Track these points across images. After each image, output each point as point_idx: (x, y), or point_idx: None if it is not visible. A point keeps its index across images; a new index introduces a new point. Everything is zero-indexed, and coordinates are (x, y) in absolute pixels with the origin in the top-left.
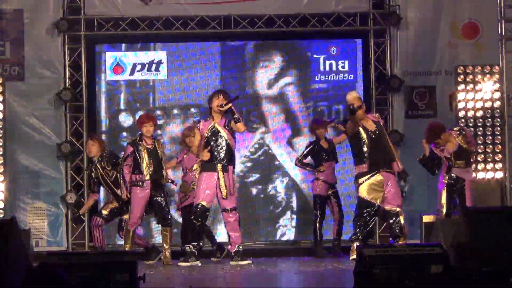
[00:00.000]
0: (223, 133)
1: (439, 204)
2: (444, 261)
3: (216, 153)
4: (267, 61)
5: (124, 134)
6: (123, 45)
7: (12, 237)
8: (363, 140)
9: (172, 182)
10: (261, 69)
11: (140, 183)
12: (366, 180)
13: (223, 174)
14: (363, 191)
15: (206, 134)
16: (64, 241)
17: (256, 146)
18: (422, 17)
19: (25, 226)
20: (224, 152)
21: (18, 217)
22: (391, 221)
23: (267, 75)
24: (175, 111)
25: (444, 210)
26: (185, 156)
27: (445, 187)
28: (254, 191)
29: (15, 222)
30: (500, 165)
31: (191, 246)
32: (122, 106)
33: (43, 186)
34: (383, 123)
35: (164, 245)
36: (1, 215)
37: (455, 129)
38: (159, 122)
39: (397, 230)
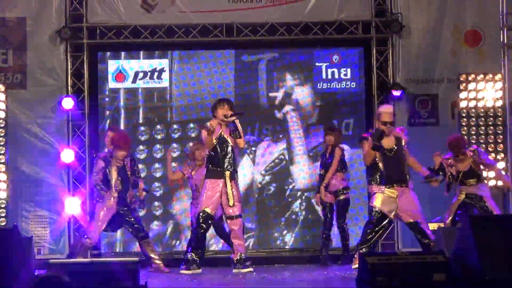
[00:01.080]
0: (229, 141)
1: (448, 211)
2: (447, 269)
3: (222, 161)
4: (272, 70)
5: (141, 147)
6: (126, 53)
7: (15, 245)
8: (377, 159)
9: (146, 191)
10: (265, 78)
11: (110, 198)
12: (380, 192)
13: (231, 182)
14: (377, 202)
15: (214, 141)
16: (66, 248)
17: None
18: (425, 25)
19: (27, 234)
20: (231, 160)
21: (20, 225)
22: (414, 233)
23: (271, 84)
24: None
25: (450, 217)
26: (193, 173)
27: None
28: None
29: (18, 230)
30: (503, 172)
31: (192, 253)
32: (140, 120)
33: (45, 194)
34: (406, 139)
35: (152, 255)
36: (4, 223)
37: (470, 149)
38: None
39: (422, 239)
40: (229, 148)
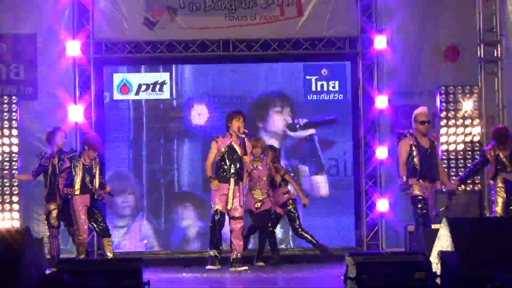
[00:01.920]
0: (238, 151)
1: None
2: (427, 268)
3: (229, 168)
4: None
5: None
6: (129, 67)
7: (27, 245)
8: (414, 154)
9: (110, 194)
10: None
11: (69, 196)
12: (416, 182)
13: (235, 187)
14: (416, 190)
15: (223, 149)
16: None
17: None
18: (407, 41)
19: (39, 235)
20: (238, 168)
21: (32, 227)
22: None
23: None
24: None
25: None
26: (255, 165)
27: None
28: None
29: (30, 231)
30: (480, 178)
31: (215, 251)
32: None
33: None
34: (438, 142)
35: (108, 254)
36: (17, 225)
37: None
38: None
39: None
40: (237, 157)
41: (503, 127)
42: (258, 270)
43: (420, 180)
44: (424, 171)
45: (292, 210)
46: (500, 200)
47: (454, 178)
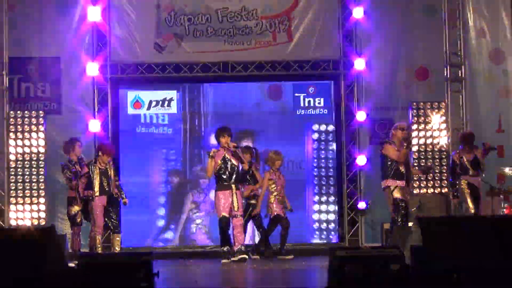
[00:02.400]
0: (233, 160)
1: None
2: (401, 261)
3: (229, 177)
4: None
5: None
6: (141, 85)
7: (52, 240)
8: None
9: (124, 203)
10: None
11: (90, 198)
12: (397, 186)
13: (236, 191)
14: (397, 193)
15: (220, 162)
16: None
17: None
18: (383, 63)
19: (62, 232)
20: (235, 175)
21: (56, 225)
22: None
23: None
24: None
25: None
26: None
27: None
28: None
29: (54, 229)
30: (446, 183)
31: (227, 247)
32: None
33: None
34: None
35: (117, 248)
36: (43, 223)
37: None
38: None
39: None
40: (233, 166)
41: (470, 132)
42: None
43: (404, 184)
44: (407, 176)
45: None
46: (468, 197)
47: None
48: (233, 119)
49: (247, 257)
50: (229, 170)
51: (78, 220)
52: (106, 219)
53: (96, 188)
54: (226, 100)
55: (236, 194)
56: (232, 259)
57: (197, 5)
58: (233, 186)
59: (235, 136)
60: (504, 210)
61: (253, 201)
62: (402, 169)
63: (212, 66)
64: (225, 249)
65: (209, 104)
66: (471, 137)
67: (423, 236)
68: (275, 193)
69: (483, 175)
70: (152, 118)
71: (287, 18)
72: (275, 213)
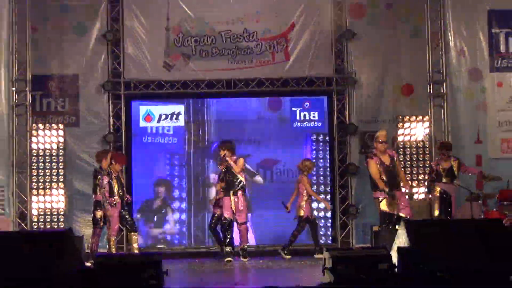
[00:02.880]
0: (234, 169)
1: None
2: (388, 261)
3: (232, 184)
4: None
5: None
6: (152, 100)
7: (70, 242)
8: (381, 171)
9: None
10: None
11: (114, 204)
12: (385, 197)
13: (233, 197)
14: (383, 206)
15: (223, 171)
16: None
17: None
18: (372, 80)
19: (79, 233)
20: (237, 183)
21: (74, 227)
22: None
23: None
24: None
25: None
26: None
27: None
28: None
29: (72, 231)
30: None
31: (230, 247)
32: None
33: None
34: (396, 156)
35: (134, 245)
36: (62, 226)
37: None
38: None
39: None
40: (234, 175)
41: (446, 141)
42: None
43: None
44: (390, 184)
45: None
46: (436, 202)
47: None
48: (235, 129)
49: (248, 259)
50: (230, 178)
51: (101, 223)
52: (123, 221)
53: (117, 195)
54: (228, 111)
55: (233, 200)
56: (243, 259)
57: (203, 28)
58: (231, 192)
59: (239, 146)
60: (483, 214)
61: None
62: (385, 179)
63: (217, 83)
64: (227, 249)
65: (212, 114)
66: (445, 146)
67: (410, 237)
68: (306, 197)
69: (457, 182)
70: (158, 128)
71: (284, 40)
72: (306, 215)
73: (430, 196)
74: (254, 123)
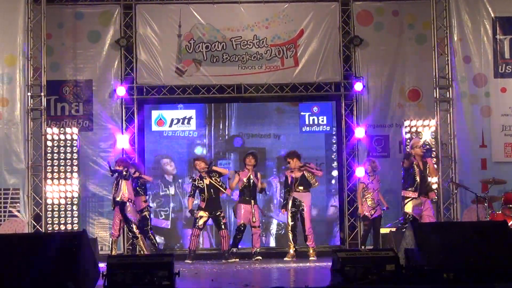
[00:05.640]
0: (255, 181)
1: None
2: (396, 261)
3: (251, 193)
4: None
5: None
6: (164, 105)
7: (84, 243)
8: (415, 174)
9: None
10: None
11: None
12: (411, 200)
13: (254, 206)
14: (409, 208)
15: (245, 180)
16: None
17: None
18: (379, 85)
19: (93, 235)
20: (255, 193)
21: (87, 229)
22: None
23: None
24: None
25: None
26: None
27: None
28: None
29: (86, 233)
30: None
31: (237, 249)
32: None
33: (106, 207)
34: (431, 163)
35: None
36: (76, 228)
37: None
38: None
39: None
40: (254, 186)
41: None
42: (266, 263)
43: (416, 200)
44: (420, 188)
45: (147, 216)
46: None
47: None
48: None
49: (261, 258)
50: (251, 188)
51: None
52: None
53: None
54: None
55: (254, 208)
56: (254, 259)
57: (214, 34)
58: (252, 202)
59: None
60: (488, 217)
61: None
62: (418, 181)
63: (227, 88)
64: (235, 250)
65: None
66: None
67: (416, 239)
68: (366, 196)
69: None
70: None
71: (293, 46)
72: (364, 213)
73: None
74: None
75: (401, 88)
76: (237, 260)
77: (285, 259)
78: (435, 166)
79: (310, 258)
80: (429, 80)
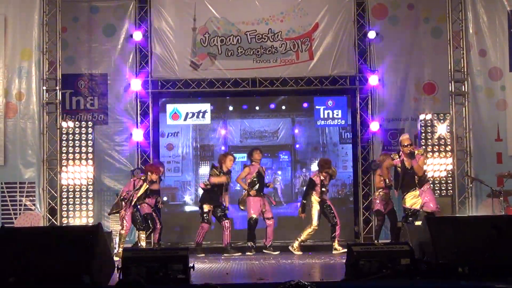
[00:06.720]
0: (263, 175)
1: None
2: (410, 256)
3: (261, 187)
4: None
5: None
6: (179, 99)
7: (99, 237)
8: (400, 173)
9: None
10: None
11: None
12: (405, 195)
13: (265, 198)
14: (406, 202)
15: (255, 175)
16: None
17: None
18: (394, 79)
19: (108, 229)
20: (264, 186)
21: (102, 223)
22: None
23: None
24: None
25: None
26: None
27: None
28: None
29: (101, 226)
30: (452, 186)
31: (251, 242)
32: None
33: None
34: (424, 156)
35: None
36: (91, 221)
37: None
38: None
39: None
40: (263, 180)
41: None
42: (279, 256)
43: (410, 193)
44: (411, 183)
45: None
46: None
47: None
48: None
49: (278, 253)
50: (261, 182)
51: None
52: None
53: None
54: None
55: (266, 201)
56: (264, 250)
57: (228, 28)
58: (263, 195)
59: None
60: (504, 211)
61: None
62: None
63: (242, 81)
64: (249, 244)
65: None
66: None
67: (431, 233)
68: (380, 190)
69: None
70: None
71: (308, 39)
72: (376, 208)
73: None
74: None
75: (416, 81)
76: (239, 254)
77: (297, 253)
78: (420, 165)
79: (340, 251)
80: (445, 74)
